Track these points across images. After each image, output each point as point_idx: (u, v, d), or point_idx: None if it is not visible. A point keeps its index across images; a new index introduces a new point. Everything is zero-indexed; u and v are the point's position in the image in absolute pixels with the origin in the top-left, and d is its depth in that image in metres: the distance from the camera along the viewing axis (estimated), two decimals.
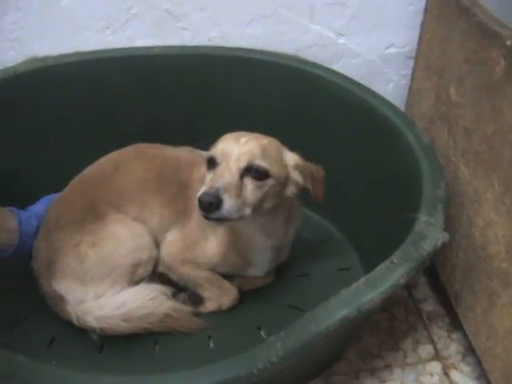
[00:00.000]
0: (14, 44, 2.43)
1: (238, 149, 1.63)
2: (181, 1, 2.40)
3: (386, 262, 1.50)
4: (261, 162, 1.62)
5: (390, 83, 2.69)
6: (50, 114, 2.32)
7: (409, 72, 2.62)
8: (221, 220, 1.56)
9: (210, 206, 1.50)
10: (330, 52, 2.56)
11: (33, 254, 1.96)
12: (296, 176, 1.74)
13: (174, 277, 2.01)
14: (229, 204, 1.53)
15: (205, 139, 1.77)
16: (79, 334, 1.86)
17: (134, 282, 1.92)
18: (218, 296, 2.01)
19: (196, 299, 2.01)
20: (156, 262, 1.98)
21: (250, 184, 1.61)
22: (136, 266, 1.91)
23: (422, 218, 1.65)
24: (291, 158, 1.74)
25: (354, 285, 1.45)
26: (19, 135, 2.29)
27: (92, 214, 1.92)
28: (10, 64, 2.37)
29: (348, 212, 2.29)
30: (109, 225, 1.91)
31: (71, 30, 2.42)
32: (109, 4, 2.39)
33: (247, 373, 1.34)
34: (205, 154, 1.89)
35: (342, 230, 2.40)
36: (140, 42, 2.47)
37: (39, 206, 2.19)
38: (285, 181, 1.72)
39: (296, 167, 1.73)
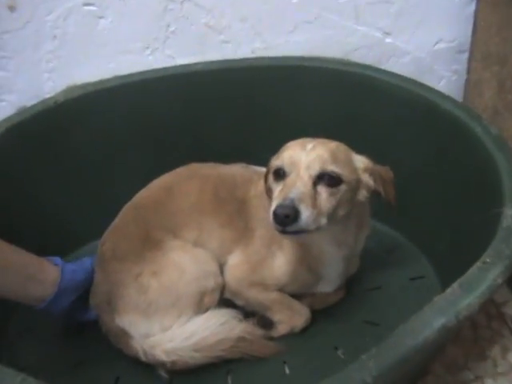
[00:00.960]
0: (52, 74, 2.39)
1: (306, 156, 1.56)
2: (220, 13, 2.35)
3: (478, 263, 1.39)
4: (333, 168, 1.55)
5: (441, 80, 2.59)
6: (94, 143, 2.28)
7: (460, 67, 2.54)
8: (298, 233, 1.48)
9: (287, 218, 1.42)
10: (377, 52, 2.49)
11: (91, 291, 1.90)
12: (366, 179, 1.66)
13: (240, 302, 1.92)
14: (306, 215, 1.45)
15: (258, 153, 1.73)
16: (145, 371, 1.80)
17: (201, 311, 1.84)
18: (290, 318, 1.92)
19: (266, 323, 1.92)
20: (223, 288, 1.90)
21: (324, 192, 1.53)
22: (202, 294, 1.83)
23: (509, 212, 1.55)
24: (360, 160, 1.67)
25: (448, 290, 1.34)
26: (65, 170, 2.26)
27: (149, 241, 1.86)
28: (49, 95, 2.34)
29: (415, 217, 2.17)
30: (168, 252, 1.84)
31: (109, 54, 2.39)
32: (146, 23, 2.34)
33: None
34: (260, 169, 1.93)
35: (410, 237, 2.29)
36: (181, 60, 2.42)
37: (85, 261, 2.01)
38: (356, 185, 1.64)
39: (366, 170, 1.66)
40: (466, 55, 2.49)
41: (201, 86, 2.35)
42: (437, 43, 2.49)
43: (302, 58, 2.36)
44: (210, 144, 2.40)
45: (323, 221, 1.52)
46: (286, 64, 2.35)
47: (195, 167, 2.07)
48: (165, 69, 2.38)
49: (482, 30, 2.23)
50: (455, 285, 1.36)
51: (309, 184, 1.52)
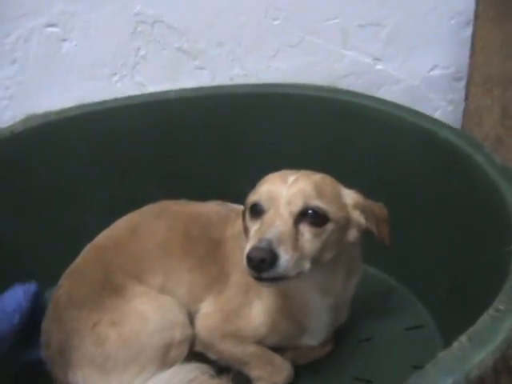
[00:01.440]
0: (11, 102, 2.26)
1: (287, 190, 1.42)
2: (194, 36, 2.23)
3: (490, 311, 1.21)
4: (318, 203, 1.40)
5: (436, 110, 2.46)
6: (54, 176, 2.13)
7: (456, 96, 2.44)
8: (276, 280, 1.33)
9: (263, 263, 1.28)
10: (367, 80, 2.37)
11: (42, 341, 1.73)
12: (357, 217, 1.52)
13: (213, 356, 1.75)
14: (286, 259, 1.30)
15: (236, 188, 1.59)
16: None
17: (166, 367, 1.66)
18: (269, 374, 1.74)
19: (242, 380, 1.75)
20: (192, 341, 1.73)
21: (307, 232, 1.38)
22: (167, 347, 1.65)
23: None
24: (350, 195, 1.53)
25: (455, 345, 1.14)
26: (17, 202, 2.08)
27: (109, 287, 1.71)
28: (7, 125, 2.17)
29: (411, 260, 2.04)
30: (131, 299, 1.68)
31: (73, 81, 2.27)
32: (114, 47, 2.22)
33: None
34: (238, 207, 1.80)
35: (405, 282, 2.16)
36: (152, 87, 2.29)
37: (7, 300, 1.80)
38: (345, 224, 1.49)
39: (356, 206, 1.51)
40: (462, 83, 2.38)
41: (174, 116, 2.21)
42: (431, 70, 2.39)
43: (285, 85, 2.24)
44: (183, 178, 2.28)
45: (306, 266, 1.37)
46: (267, 91, 2.23)
47: (165, 204, 1.94)
48: (134, 97, 2.23)
49: (482, 50, 2.12)
50: (463, 338, 1.17)
51: (289, 222, 1.37)
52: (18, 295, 1.77)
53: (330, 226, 1.42)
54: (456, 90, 2.42)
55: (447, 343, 1.17)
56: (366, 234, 1.55)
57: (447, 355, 1.14)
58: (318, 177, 1.50)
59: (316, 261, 1.41)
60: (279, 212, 1.38)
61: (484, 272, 1.56)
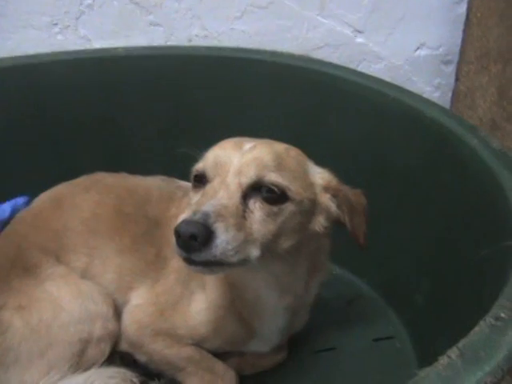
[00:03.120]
0: None
1: (240, 157, 1.25)
2: None
3: (489, 319, 1.04)
4: (275, 177, 1.23)
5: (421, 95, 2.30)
6: None
7: (444, 81, 2.34)
8: (211, 265, 1.15)
9: (194, 240, 1.09)
10: (345, 54, 2.28)
11: None
12: (326, 201, 1.34)
13: (142, 358, 1.60)
14: (225, 238, 1.12)
15: (186, 162, 1.36)
16: None
17: (81, 368, 1.50)
18: None
19: None
20: (115, 338, 1.58)
21: (258, 210, 1.21)
22: (84, 343, 1.50)
23: None
24: (320, 175, 1.36)
25: (442, 361, 0.95)
26: None
27: (21, 265, 1.56)
28: None
29: (384, 259, 1.91)
30: (44, 281, 1.53)
31: (7, 28, 2.14)
32: None
33: None
34: (186, 184, 1.64)
35: (375, 285, 2.03)
36: (98, 43, 2.21)
37: None
38: (310, 208, 1.32)
39: (327, 189, 1.34)
40: (452, 67, 2.29)
41: (121, 76, 2.06)
42: (418, 49, 2.30)
43: (250, 51, 2.13)
44: (126, 146, 2.14)
45: (254, 252, 1.20)
46: (228, 55, 2.10)
47: (99, 176, 1.79)
48: (76, 52, 2.09)
49: (479, 22, 2.03)
50: (453, 353, 0.97)
51: (236, 196, 1.20)
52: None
53: (288, 207, 1.25)
54: (444, 74, 2.31)
55: (422, 358, 1.13)
56: (336, 225, 1.39)
57: (431, 375, 0.94)
58: (281, 147, 1.33)
59: (269, 248, 1.24)
60: (225, 182, 1.22)
61: (476, 273, 1.42)
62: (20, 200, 1.80)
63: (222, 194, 1.19)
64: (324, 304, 1.72)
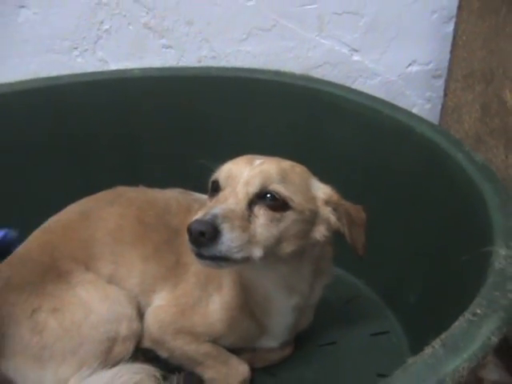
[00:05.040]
0: None
1: (249, 171, 1.36)
2: (162, 12, 2.15)
3: (467, 315, 1.15)
4: (279, 188, 1.33)
5: (413, 107, 2.45)
6: (2, 154, 2.04)
7: (434, 94, 2.43)
8: (218, 260, 1.26)
9: (203, 237, 1.21)
10: (343, 71, 2.35)
11: None
12: (327, 214, 1.44)
13: (164, 354, 1.67)
14: (229, 237, 1.24)
15: (199, 176, 1.47)
16: None
17: (109, 364, 1.57)
18: (224, 376, 1.67)
19: (194, 382, 1.68)
20: (139, 337, 1.65)
21: (262, 215, 1.32)
22: (111, 341, 1.57)
23: (501, 251, 1.32)
24: (322, 189, 1.45)
25: (427, 351, 1.07)
26: None
27: (53, 272, 1.62)
28: None
29: (380, 262, 1.94)
30: (76, 287, 1.60)
31: (30, 52, 2.18)
32: (76, 18, 2.15)
33: None
34: (201, 196, 1.75)
35: (372, 285, 2.11)
36: (115, 65, 2.24)
37: None
38: (311, 218, 1.41)
39: (328, 203, 1.44)
40: (441, 81, 2.37)
41: (137, 96, 2.14)
42: (410, 65, 2.38)
43: (255, 71, 2.19)
44: (143, 163, 2.22)
45: (256, 252, 1.30)
46: (235, 75, 2.17)
47: (121, 191, 1.85)
48: (95, 73, 2.16)
49: (464, 44, 2.11)
50: (436, 343, 1.09)
51: (243, 202, 1.31)
52: None
53: (290, 215, 1.35)
54: (434, 87, 2.39)
55: (414, 350, 1.10)
56: (337, 235, 1.47)
57: (418, 362, 1.06)
58: (286, 163, 1.43)
59: (272, 251, 1.34)
60: (235, 191, 1.33)
61: (460, 275, 1.51)
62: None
63: (231, 200, 1.30)
64: (326, 303, 1.78)
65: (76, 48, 2.19)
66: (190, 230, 1.23)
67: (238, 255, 1.26)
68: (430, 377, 1.03)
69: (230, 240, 1.24)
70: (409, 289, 1.89)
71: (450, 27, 2.22)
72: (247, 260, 1.29)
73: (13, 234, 1.84)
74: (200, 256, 1.26)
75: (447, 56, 2.25)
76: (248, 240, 1.28)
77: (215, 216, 1.23)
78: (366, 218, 1.48)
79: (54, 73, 2.14)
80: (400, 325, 1.93)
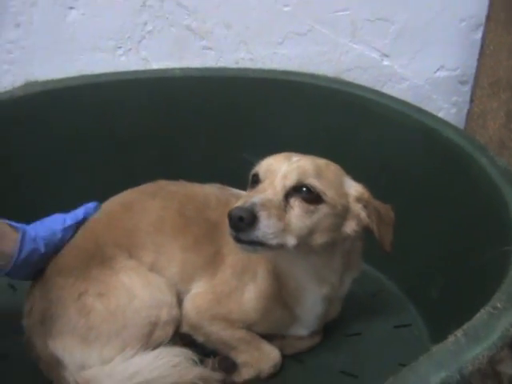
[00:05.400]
0: (12, 67, 2.22)
1: (287, 166, 1.43)
2: (203, 16, 2.21)
3: (488, 308, 1.22)
4: (314, 182, 1.40)
5: (439, 111, 2.46)
6: (49, 143, 2.10)
7: (460, 99, 2.45)
8: (255, 244, 1.33)
9: (241, 222, 1.28)
10: (373, 75, 2.38)
11: (24, 308, 1.68)
12: (358, 210, 1.50)
13: (200, 338, 1.72)
14: (266, 223, 1.31)
15: (236, 172, 1.57)
16: None
17: (150, 347, 1.62)
18: (257, 361, 1.72)
19: (228, 365, 1.72)
20: (178, 322, 1.70)
21: (297, 206, 1.38)
22: (153, 325, 1.62)
23: None
24: (354, 187, 1.51)
25: (450, 339, 1.15)
26: (13, 172, 2.06)
27: (99, 258, 1.68)
28: (5, 89, 2.14)
29: (405, 259, 1.96)
30: (119, 272, 1.66)
31: (77, 50, 2.26)
32: (121, 19, 2.20)
33: None
34: (238, 191, 1.81)
35: (396, 281, 2.14)
36: (156, 64, 2.29)
37: (57, 222, 1.79)
38: (343, 212, 1.47)
39: (359, 200, 1.50)
40: (468, 86, 2.39)
41: (177, 95, 2.19)
42: (438, 70, 2.40)
43: (291, 73, 2.25)
44: (183, 158, 2.27)
45: (290, 240, 1.37)
46: (272, 77, 2.23)
47: (162, 184, 1.89)
48: (137, 72, 2.23)
49: (491, 53, 2.13)
50: (459, 333, 1.17)
51: (280, 193, 1.38)
52: (56, 222, 1.77)
53: (323, 208, 1.41)
54: (461, 92, 2.42)
55: (435, 342, 1.16)
56: (366, 232, 1.53)
57: (442, 349, 1.14)
58: (322, 161, 1.50)
59: (305, 241, 1.41)
60: (273, 183, 1.39)
61: (481, 272, 1.55)
62: (91, 205, 1.83)
63: (270, 191, 1.37)
64: (352, 296, 1.83)
65: (120, 47, 2.25)
66: (230, 216, 1.29)
67: (273, 241, 1.33)
68: (452, 363, 1.10)
69: (266, 226, 1.30)
70: (431, 284, 1.92)
71: (478, 35, 2.25)
72: (281, 247, 1.36)
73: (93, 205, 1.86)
74: (238, 240, 1.33)
75: (474, 63, 2.28)
76: (283, 228, 1.34)
77: (254, 204, 1.30)
78: (394, 217, 1.54)
79: (98, 70, 2.19)
80: (422, 318, 1.97)
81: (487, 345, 1.14)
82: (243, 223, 1.28)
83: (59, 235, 1.74)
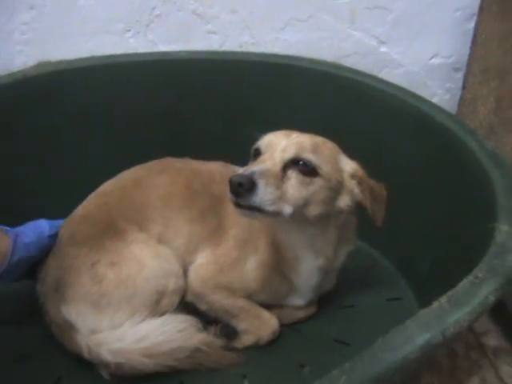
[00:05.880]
0: (25, 47, 2.26)
1: (286, 141, 1.50)
2: (210, 1, 2.25)
3: (470, 277, 1.31)
4: (310, 156, 1.47)
5: (433, 97, 2.52)
6: (61, 122, 2.15)
7: (454, 85, 2.50)
8: (253, 209, 1.40)
9: (241, 187, 1.35)
10: (370, 61, 2.43)
11: (39, 276, 1.77)
12: (352, 186, 1.57)
13: (203, 306, 1.79)
14: (263, 190, 1.38)
15: (238, 151, 1.63)
16: (90, 372, 1.65)
17: (157, 314, 1.70)
18: (256, 328, 1.79)
19: (229, 333, 1.79)
20: (184, 291, 1.77)
21: (294, 178, 1.46)
22: (160, 294, 1.69)
23: (503, 227, 1.47)
24: (349, 164, 1.58)
25: (435, 304, 1.24)
26: (27, 144, 2.11)
27: (111, 230, 1.74)
28: (19, 69, 2.19)
29: (397, 236, 2.06)
30: (131, 244, 1.72)
31: (88, 32, 2.30)
32: (130, 4, 2.24)
33: None
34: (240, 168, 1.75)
35: (388, 256, 2.21)
36: (163, 47, 2.34)
37: (43, 228, 1.84)
38: (337, 187, 1.54)
39: (353, 176, 1.56)
40: (461, 73, 2.44)
41: (183, 76, 2.23)
42: (432, 57, 2.45)
43: (292, 57, 2.29)
44: (187, 138, 2.30)
45: (286, 209, 1.44)
46: (274, 61, 2.27)
47: (169, 161, 1.96)
48: (145, 54, 2.28)
49: (482, 42, 2.19)
50: (443, 299, 1.26)
51: (278, 165, 1.45)
52: (42, 228, 1.81)
53: (318, 181, 1.48)
54: (454, 79, 2.47)
55: None
56: (359, 209, 1.60)
57: (427, 313, 1.23)
58: (319, 139, 1.57)
59: (300, 211, 1.48)
60: (273, 156, 1.47)
61: (466, 249, 1.60)
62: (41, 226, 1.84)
63: (268, 162, 1.44)
64: (347, 270, 1.90)
65: (129, 30, 2.30)
66: (230, 182, 1.36)
67: (270, 208, 1.39)
68: (436, 325, 1.19)
69: (264, 193, 1.37)
70: (421, 260, 1.98)
71: (471, 24, 2.31)
72: (278, 214, 1.42)
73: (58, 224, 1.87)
74: (238, 205, 1.40)
75: (467, 50, 2.34)
76: (280, 197, 1.41)
77: (253, 172, 1.38)
78: (387, 195, 1.60)
79: (108, 52, 2.24)
80: (412, 292, 2.03)
81: (468, 310, 1.22)
82: (243, 189, 1.35)
83: (46, 241, 1.79)
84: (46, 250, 1.80)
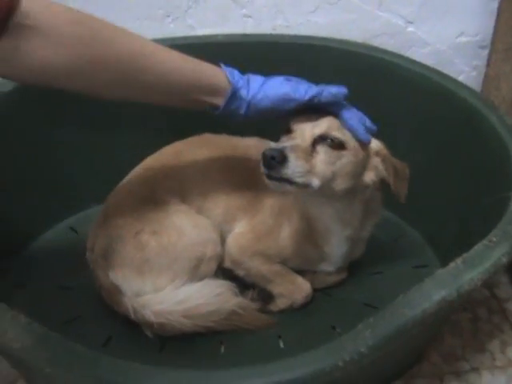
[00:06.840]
0: None
1: (316, 119, 1.56)
2: None
3: (485, 241, 1.39)
4: (338, 134, 1.54)
5: (460, 74, 2.58)
6: (100, 103, 2.16)
7: (480, 63, 2.55)
8: (284, 181, 1.46)
9: (273, 160, 1.41)
10: (398, 41, 2.48)
11: (88, 244, 1.86)
12: (376, 163, 1.63)
13: (241, 272, 1.88)
14: (294, 163, 1.43)
15: (274, 130, 1.68)
16: (137, 332, 1.75)
17: (196, 279, 1.79)
18: (290, 292, 1.88)
19: (265, 297, 1.88)
20: (221, 258, 1.86)
21: (322, 152, 1.52)
22: (199, 260, 1.78)
23: None
24: (374, 142, 1.64)
25: (451, 265, 1.34)
26: (71, 123, 2.24)
27: (154, 202, 1.83)
28: None
29: (422, 206, 2.10)
30: (172, 215, 1.81)
31: (130, 19, 2.36)
32: None
33: (331, 366, 1.19)
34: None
35: (416, 226, 2.26)
36: (201, 31, 2.42)
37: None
38: (363, 162, 1.61)
39: (378, 154, 1.62)
40: (486, 51, 2.48)
41: (220, 58, 2.12)
42: (459, 36, 2.49)
43: (322, 39, 2.34)
44: (223, 119, 2.24)
45: (315, 181, 1.50)
46: (306, 43, 2.32)
47: (208, 137, 2.04)
48: (185, 37, 2.33)
49: (505, 20, 2.22)
50: (459, 260, 1.35)
51: (308, 140, 1.52)
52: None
53: (346, 155, 1.54)
54: (480, 56, 2.52)
55: None
56: (383, 184, 1.65)
57: (444, 272, 1.33)
58: None
59: (328, 184, 1.54)
60: (303, 132, 1.53)
61: (485, 218, 1.64)
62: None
63: (299, 138, 1.50)
64: (376, 240, 1.98)
65: (169, 16, 2.37)
66: (263, 155, 1.42)
67: (300, 179, 1.45)
68: (451, 283, 1.29)
69: (294, 166, 1.42)
70: (446, 229, 2.03)
71: (495, 4, 2.34)
72: (307, 187, 1.48)
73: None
74: (269, 177, 1.45)
75: (492, 29, 2.37)
76: (309, 170, 1.46)
77: (285, 147, 1.43)
78: (409, 174, 1.68)
79: (150, 36, 2.09)
80: (438, 259, 2.08)
81: (481, 270, 1.31)
82: (275, 161, 1.41)
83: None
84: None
